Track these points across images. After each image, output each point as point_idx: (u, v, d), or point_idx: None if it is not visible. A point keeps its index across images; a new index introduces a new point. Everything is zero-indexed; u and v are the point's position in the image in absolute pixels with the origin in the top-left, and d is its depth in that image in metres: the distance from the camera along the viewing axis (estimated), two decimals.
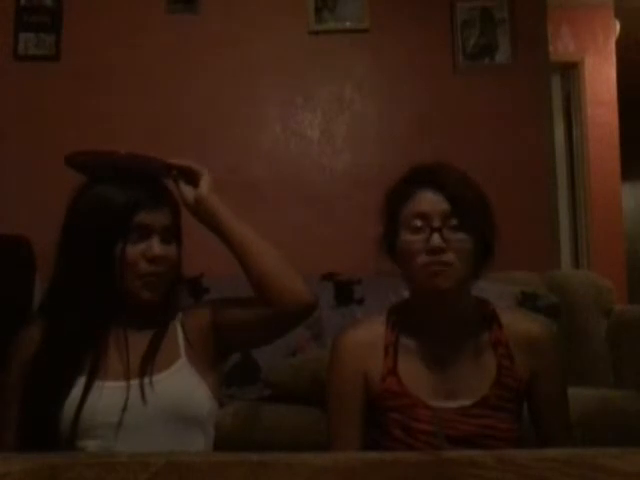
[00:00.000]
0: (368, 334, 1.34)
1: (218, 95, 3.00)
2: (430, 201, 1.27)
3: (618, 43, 4.04)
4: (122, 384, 1.19)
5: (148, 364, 1.21)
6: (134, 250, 1.22)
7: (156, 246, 1.23)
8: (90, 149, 1.29)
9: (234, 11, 3.04)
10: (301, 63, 3.05)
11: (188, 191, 1.29)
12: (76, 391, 1.17)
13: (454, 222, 1.25)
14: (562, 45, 4.18)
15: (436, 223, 1.24)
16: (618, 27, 4.02)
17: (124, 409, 1.16)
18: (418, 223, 1.26)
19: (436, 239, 1.23)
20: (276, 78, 3.03)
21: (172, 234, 1.27)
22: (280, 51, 3.04)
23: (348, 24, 3.04)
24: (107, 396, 1.17)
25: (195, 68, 3.01)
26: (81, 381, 1.18)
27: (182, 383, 1.22)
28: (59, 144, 2.81)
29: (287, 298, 1.20)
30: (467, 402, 1.26)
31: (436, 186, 1.27)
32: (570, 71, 4.28)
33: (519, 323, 1.34)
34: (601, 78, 4.18)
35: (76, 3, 3.01)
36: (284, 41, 3.04)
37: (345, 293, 2.53)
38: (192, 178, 1.29)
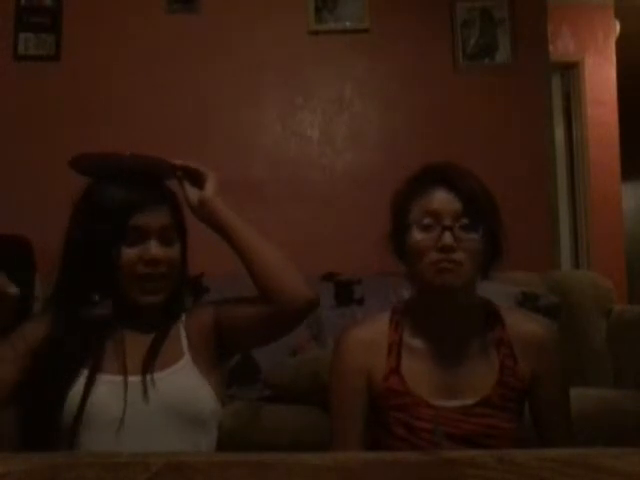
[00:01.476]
0: (371, 333, 1.34)
1: (218, 95, 3.00)
2: (442, 200, 1.27)
3: (618, 43, 4.03)
4: (124, 380, 1.19)
5: (150, 361, 1.21)
6: (131, 253, 1.22)
7: (153, 248, 1.22)
8: (95, 151, 1.29)
9: (234, 11, 3.04)
10: (301, 63, 3.05)
11: (193, 193, 1.29)
12: (79, 384, 1.17)
13: (465, 221, 1.25)
14: (562, 45, 4.17)
15: (447, 222, 1.24)
16: (618, 27, 4.02)
17: (124, 405, 1.16)
18: (429, 221, 1.26)
19: (447, 237, 1.23)
20: (276, 78, 3.03)
21: (173, 234, 1.27)
22: (280, 51, 3.04)
23: (348, 24, 3.04)
24: (109, 392, 1.18)
25: (195, 68, 3.01)
26: (84, 375, 1.19)
27: (185, 382, 1.22)
28: (59, 144, 2.82)
29: (288, 295, 1.21)
30: (470, 401, 1.27)
31: (448, 185, 1.27)
32: (570, 71, 4.28)
33: (522, 324, 1.35)
34: (601, 78, 4.18)
35: (76, 3, 3.01)
36: (284, 41, 3.04)
37: (345, 293, 2.53)
38: (197, 180, 1.29)
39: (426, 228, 1.26)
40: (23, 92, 2.96)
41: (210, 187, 1.28)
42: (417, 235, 1.27)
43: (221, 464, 0.56)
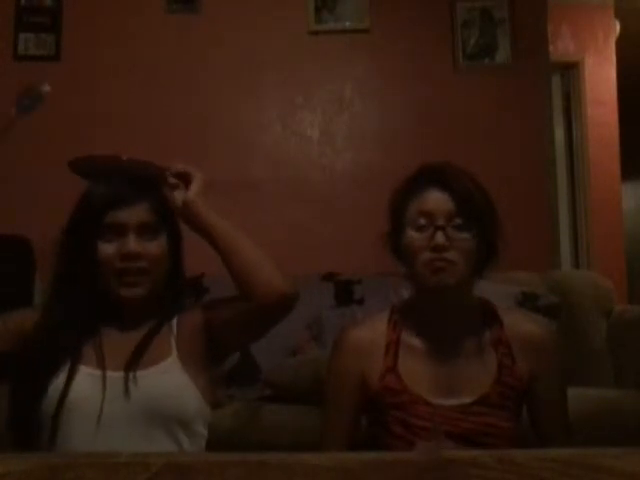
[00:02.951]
0: (370, 332, 1.36)
1: (218, 95, 3.00)
2: (436, 200, 1.28)
3: (618, 43, 4.03)
4: (109, 376, 1.20)
5: (135, 358, 1.23)
6: (108, 248, 1.25)
7: (131, 243, 1.24)
8: (92, 154, 1.30)
9: (234, 11, 3.04)
10: (301, 63, 3.04)
11: (178, 194, 1.30)
12: (61, 375, 1.19)
13: (458, 221, 1.26)
14: (562, 45, 4.17)
15: (440, 222, 1.26)
16: (618, 27, 4.01)
17: (104, 401, 1.18)
18: (423, 221, 1.28)
19: (439, 237, 1.25)
20: (276, 78, 3.03)
21: (154, 230, 1.28)
22: (280, 51, 3.04)
23: (348, 24, 3.03)
24: (90, 385, 1.19)
25: (195, 68, 3.01)
26: (67, 367, 1.21)
27: (168, 381, 1.23)
28: (59, 144, 2.82)
29: (263, 290, 1.23)
30: (468, 400, 1.27)
31: (442, 185, 1.29)
32: (570, 71, 4.28)
33: (521, 324, 1.35)
34: (601, 78, 4.18)
35: (76, 3, 3.01)
36: (284, 41, 3.04)
37: (345, 293, 2.53)
38: (186, 182, 1.30)
39: (420, 228, 1.28)
40: None
41: (193, 189, 1.29)
42: (411, 235, 1.29)
43: (221, 464, 0.56)
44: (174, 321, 1.31)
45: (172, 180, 1.30)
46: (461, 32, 3.03)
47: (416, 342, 1.33)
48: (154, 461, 0.56)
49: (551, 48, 3.14)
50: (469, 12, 3.03)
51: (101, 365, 1.21)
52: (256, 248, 1.28)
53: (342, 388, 1.34)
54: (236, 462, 0.56)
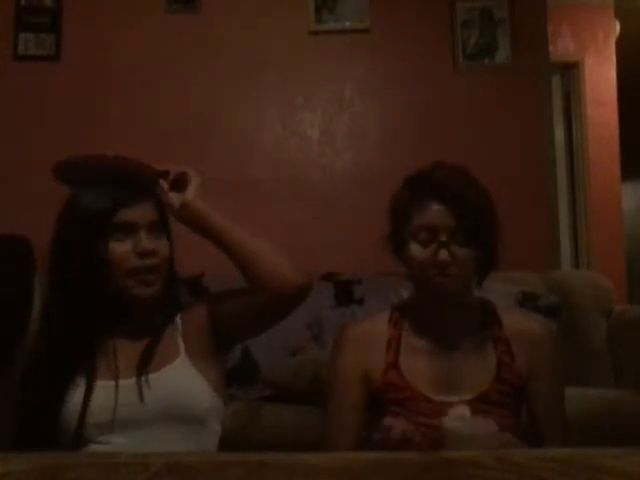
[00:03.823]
0: (371, 329, 1.37)
1: (218, 95, 3.00)
2: (436, 214, 1.29)
3: (618, 43, 4.03)
4: (121, 383, 1.20)
5: (145, 363, 1.22)
6: (122, 247, 1.23)
7: (144, 240, 1.23)
8: (78, 155, 1.29)
9: (234, 11, 3.04)
10: (301, 63, 3.04)
11: (174, 197, 1.29)
12: (77, 393, 1.18)
13: (460, 238, 1.28)
14: (562, 45, 4.17)
15: (443, 237, 1.27)
16: (618, 27, 4.02)
17: (120, 408, 1.17)
18: (425, 235, 1.29)
19: (443, 254, 1.26)
20: (276, 78, 3.03)
21: (160, 228, 1.28)
22: (280, 51, 3.03)
23: (348, 24, 3.03)
24: (104, 396, 1.18)
25: (195, 68, 3.01)
26: (80, 383, 1.19)
27: (179, 379, 1.23)
28: (59, 144, 2.81)
29: (278, 279, 1.22)
30: (468, 396, 1.28)
31: (441, 199, 1.29)
32: (570, 71, 4.28)
33: (520, 322, 1.37)
34: (601, 78, 4.18)
35: (76, 3, 3.01)
36: (284, 41, 3.04)
37: (345, 293, 2.53)
38: (180, 182, 1.30)
39: (423, 242, 1.29)
40: (23, 92, 2.96)
41: (191, 190, 1.28)
42: (414, 249, 1.29)
43: (221, 464, 0.56)
44: (178, 319, 1.31)
45: (165, 185, 1.29)
46: (461, 32, 3.02)
47: (417, 340, 1.34)
48: (154, 461, 0.56)
49: (551, 48, 3.14)
50: (469, 12, 3.03)
51: (111, 375, 1.21)
52: (262, 240, 1.27)
53: (345, 384, 1.34)
54: (236, 462, 0.57)
